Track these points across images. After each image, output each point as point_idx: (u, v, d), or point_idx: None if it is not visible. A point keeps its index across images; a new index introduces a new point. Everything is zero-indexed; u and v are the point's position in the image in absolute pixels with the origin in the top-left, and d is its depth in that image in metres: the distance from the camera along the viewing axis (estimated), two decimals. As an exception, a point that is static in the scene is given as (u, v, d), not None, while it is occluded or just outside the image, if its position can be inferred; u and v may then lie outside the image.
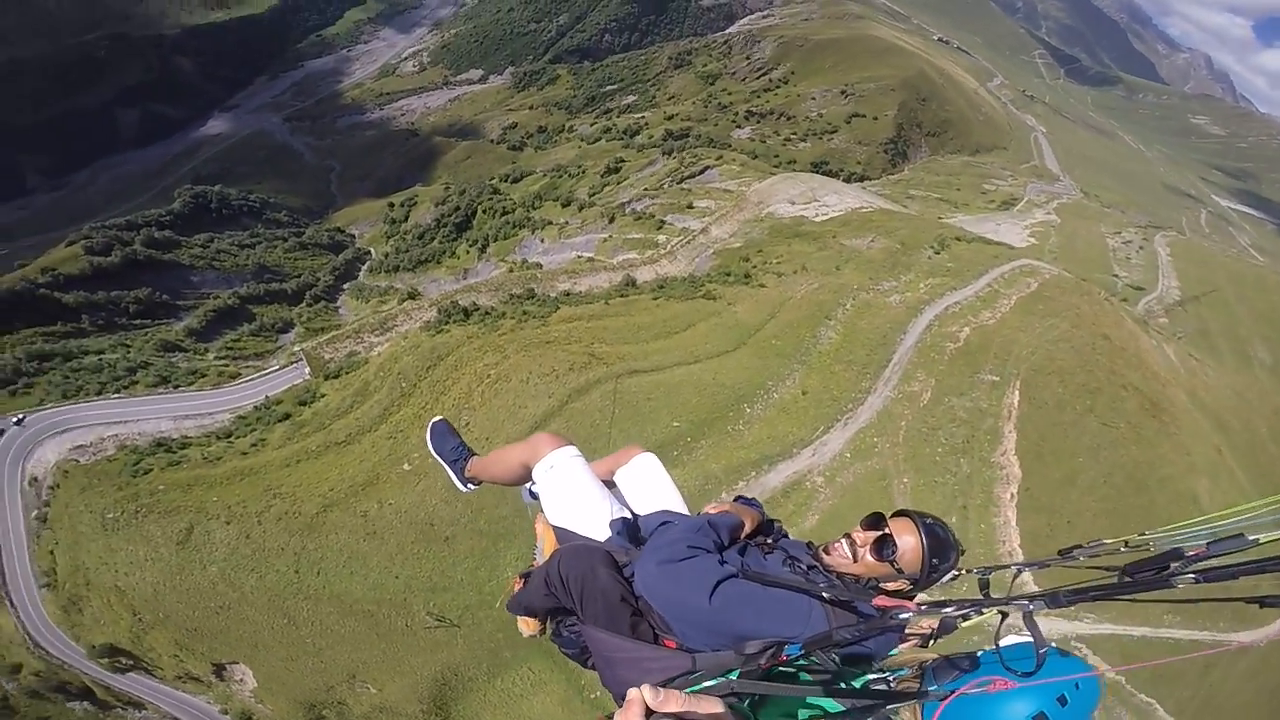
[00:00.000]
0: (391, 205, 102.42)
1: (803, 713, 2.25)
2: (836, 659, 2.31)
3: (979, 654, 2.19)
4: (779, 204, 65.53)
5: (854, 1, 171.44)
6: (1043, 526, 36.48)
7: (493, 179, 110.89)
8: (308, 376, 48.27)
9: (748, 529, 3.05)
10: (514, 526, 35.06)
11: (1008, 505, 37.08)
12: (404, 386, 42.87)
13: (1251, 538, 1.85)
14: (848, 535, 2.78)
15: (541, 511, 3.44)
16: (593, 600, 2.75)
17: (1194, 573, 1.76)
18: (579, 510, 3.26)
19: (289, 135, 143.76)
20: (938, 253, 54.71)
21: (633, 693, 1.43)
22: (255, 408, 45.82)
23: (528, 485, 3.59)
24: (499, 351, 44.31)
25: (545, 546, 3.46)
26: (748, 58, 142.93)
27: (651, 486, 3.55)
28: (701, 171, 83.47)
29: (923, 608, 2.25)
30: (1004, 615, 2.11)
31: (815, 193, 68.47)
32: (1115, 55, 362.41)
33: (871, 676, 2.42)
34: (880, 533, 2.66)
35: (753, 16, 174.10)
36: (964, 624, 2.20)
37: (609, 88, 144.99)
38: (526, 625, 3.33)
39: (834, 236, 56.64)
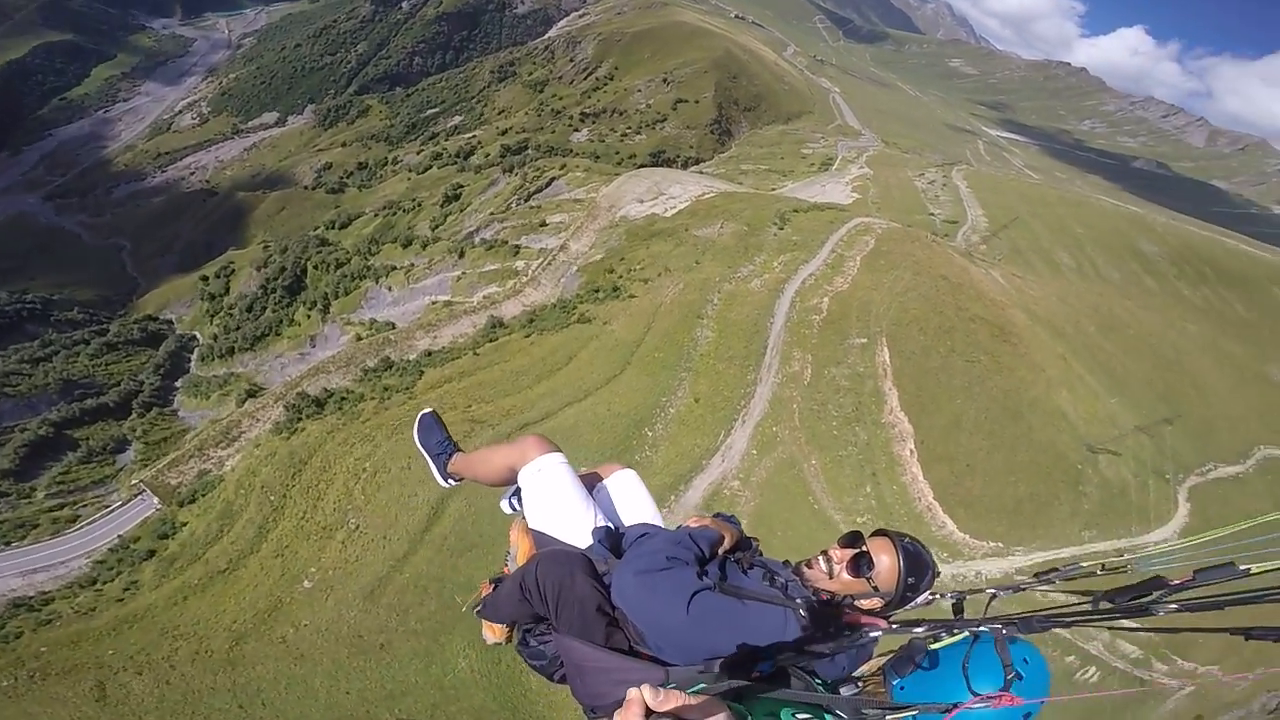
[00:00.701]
0: (205, 279, 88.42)
1: (785, 713, 2.11)
2: (811, 675, 2.31)
3: (938, 651, 2.17)
4: (629, 205, 63.72)
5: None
6: (947, 475, 37.68)
7: (317, 229, 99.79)
8: (158, 506, 40.95)
9: (727, 545, 2.98)
10: (448, 620, 30.51)
11: (911, 462, 37.89)
12: (273, 500, 36.18)
13: (1242, 567, 1.74)
14: (825, 552, 2.76)
15: (521, 518, 3.38)
16: (568, 607, 2.70)
17: (1177, 602, 1.70)
18: (562, 516, 3.20)
19: (56, 216, 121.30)
20: (781, 228, 55.52)
21: (633, 692, 1.39)
22: (111, 550, 38.57)
23: (508, 495, 3.53)
24: (368, 441, 38.63)
25: (519, 554, 3.36)
26: (571, 59, 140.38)
27: (632, 500, 3.55)
28: (548, 184, 79.78)
29: (894, 626, 2.37)
30: (976, 636, 2.12)
31: (660, 186, 67.50)
32: (880, 12, 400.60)
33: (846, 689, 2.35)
34: (857, 550, 2.66)
35: (570, 18, 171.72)
36: (934, 645, 2.21)
37: (430, 111, 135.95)
38: (492, 632, 3.24)
39: (687, 230, 55.60)
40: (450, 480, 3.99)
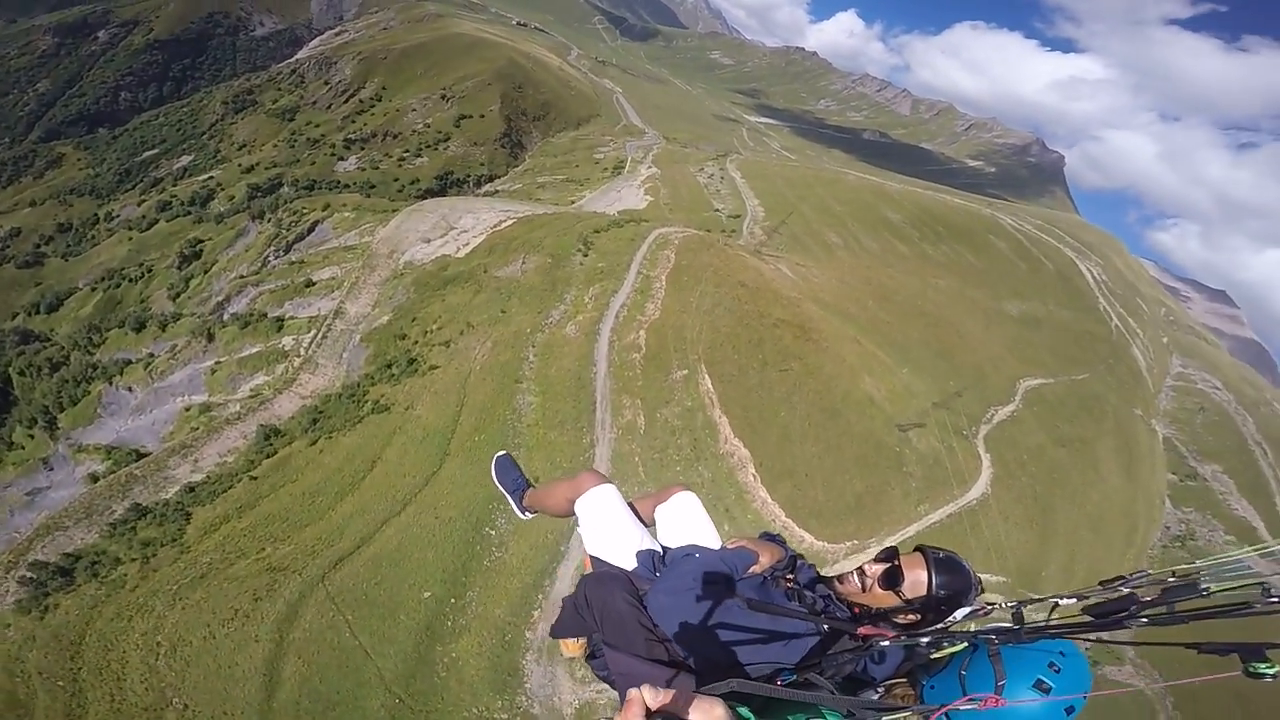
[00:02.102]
0: None
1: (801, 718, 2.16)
2: (833, 683, 2.34)
3: (964, 670, 2.18)
4: (414, 247, 54.44)
5: (430, 1, 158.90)
6: (791, 490, 36.28)
7: (15, 316, 75.17)
8: None
9: (765, 563, 3.03)
10: None
11: (756, 486, 35.89)
12: (64, 685, 26.38)
13: (1203, 588, 1.86)
14: (860, 568, 2.77)
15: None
16: (610, 622, 2.82)
17: (1146, 617, 1.83)
18: (610, 541, 3.35)
19: None
20: (586, 254, 51.03)
21: (633, 693, 1.38)
22: None
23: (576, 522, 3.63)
24: (147, 613, 28.57)
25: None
26: (327, 82, 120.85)
27: (686, 522, 3.59)
28: (310, 229, 66.04)
29: (901, 637, 2.42)
30: (974, 646, 2.21)
31: (449, 219, 59.01)
32: (650, 10, 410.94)
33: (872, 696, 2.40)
34: (889, 565, 2.66)
35: (323, 37, 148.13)
36: (935, 654, 2.31)
37: (149, 153, 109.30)
38: (568, 647, 3.35)
39: (486, 271, 48.41)
40: (527, 513, 4.44)
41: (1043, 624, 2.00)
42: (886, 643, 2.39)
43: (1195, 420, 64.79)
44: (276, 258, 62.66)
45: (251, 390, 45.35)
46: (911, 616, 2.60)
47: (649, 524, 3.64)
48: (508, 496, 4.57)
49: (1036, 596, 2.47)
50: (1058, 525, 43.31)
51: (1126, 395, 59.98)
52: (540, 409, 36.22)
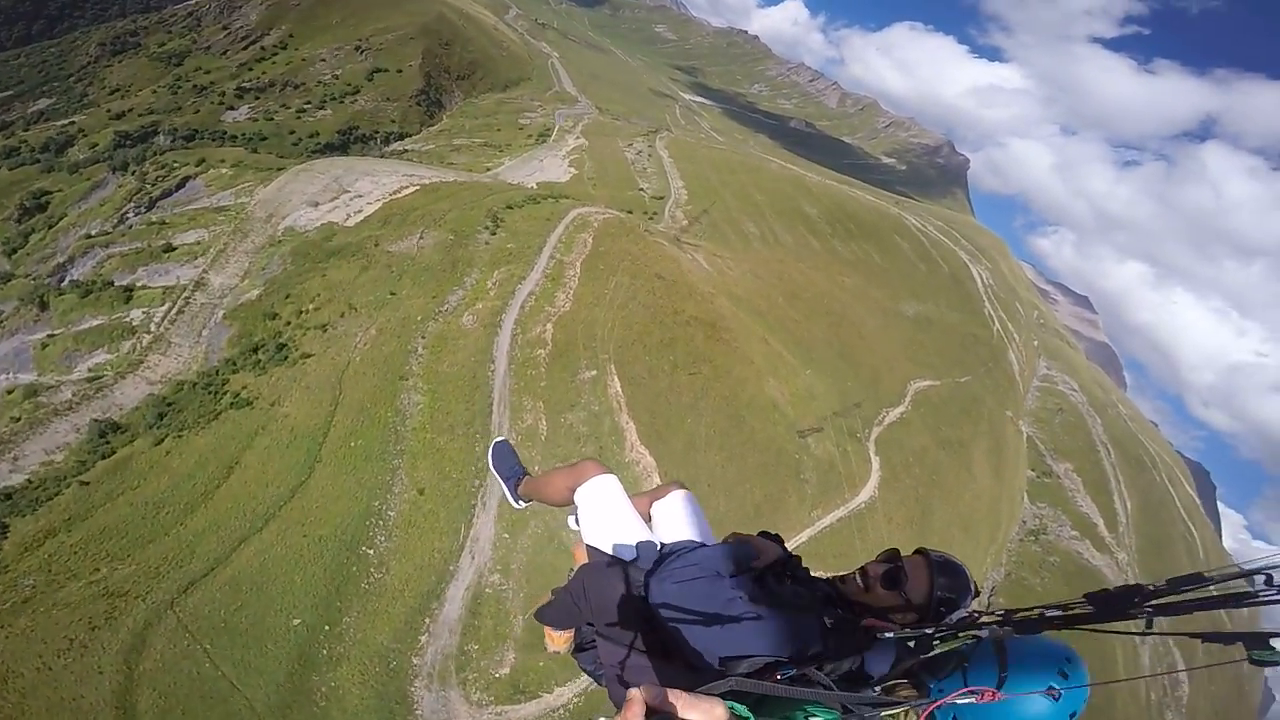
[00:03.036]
0: None
1: (798, 715, 2.09)
2: (831, 678, 2.29)
3: (967, 666, 2.13)
4: (298, 212, 47.19)
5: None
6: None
7: None
8: None
9: (766, 560, 2.87)
10: None
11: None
12: None
13: (1207, 577, 1.83)
14: (862, 568, 2.70)
15: (579, 536, 3.39)
16: (605, 613, 2.73)
17: (1151, 608, 1.81)
18: (610, 531, 3.20)
19: None
20: (494, 232, 46.27)
21: (632, 692, 1.33)
22: None
23: (572, 514, 3.50)
24: None
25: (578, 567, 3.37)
26: (226, 27, 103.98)
27: (683, 520, 3.44)
28: (180, 186, 56.03)
29: (905, 630, 2.39)
30: (977, 639, 2.18)
31: (343, 182, 51.76)
32: None
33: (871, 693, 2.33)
34: (891, 565, 2.60)
35: None
36: (940, 647, 2.27)
37: (2, 95, 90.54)
38: (553, 639, 3.28)
39: (377, 244, 42.49)
40: (521, 502, 4.07)
41: (1052, 615, 1.97)
42: (892, 634, 2.41)
43: (1054, 420, 70.16)
44: (136, 215, 52.95)
45: (90, 371, 37.81)
46: (910, 617, 2.52)
47: (646, 520, 3.39)
48: (503, 484, 4.17)
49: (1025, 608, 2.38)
50: (934, 525, 44.88)
51: (1001, 397, 63.49)
52: (428, 410, 32.11)
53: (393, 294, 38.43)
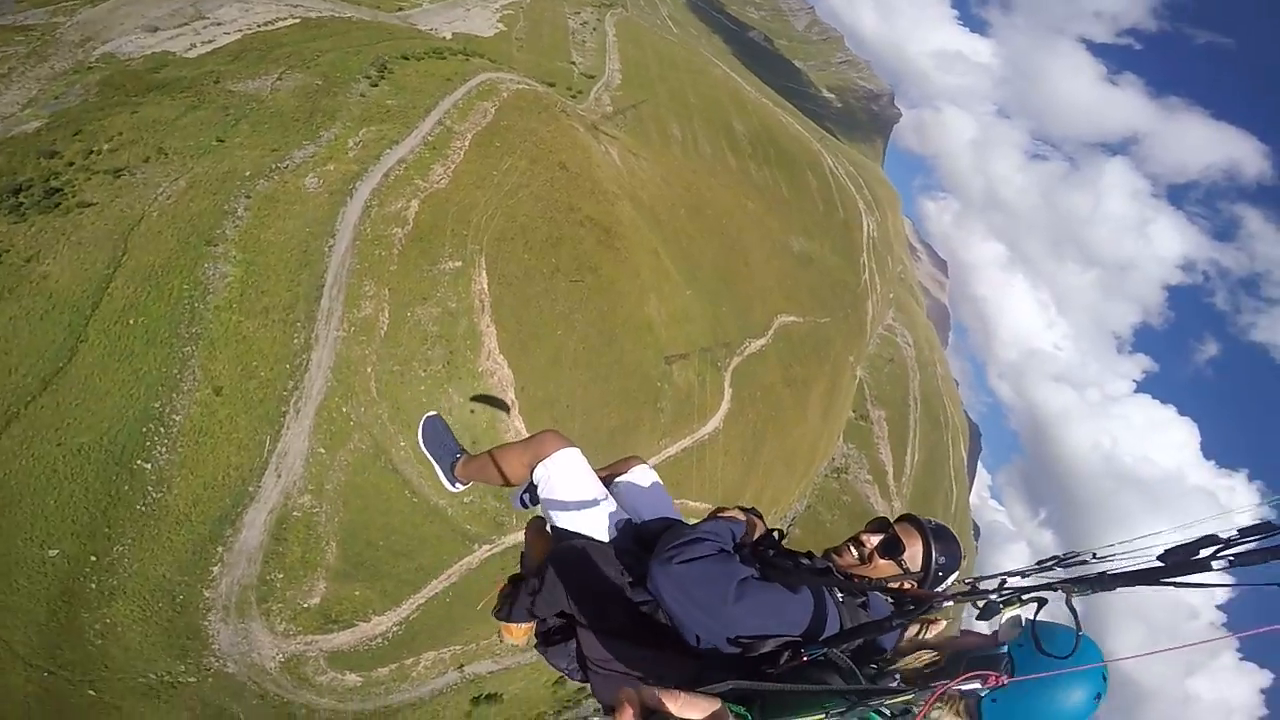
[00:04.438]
0: None
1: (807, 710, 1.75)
2: (848, 656, 1.95)
3: (1003, 648, 1.84)
4: (128, 36, 31.34)
5: None
6: (548, 422, 30.66)
7: None
8: None
9: (754, 535, 2.51)
10: None
11: (512, 416, 29.60)
12: None
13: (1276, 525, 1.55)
14: (855, 539, 2.44)
15: (535, 517, 2.89)
16: (592, 603, 2.30)
17: (1228, 558, 1.53)
18: (580, 510, 2.64)
19: None
20: (375, 84, 34.60)
21: (626, 692, 1.20)
22: None
23: (520, 490, 2.91)
24: None
25: (534, 553, 2.82)
26: None
27: (650, 493, 2.92)
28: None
29: (959, 596, 2.02)
30: (1042, 601, 1.84)
31: (201, 5, 35.39)
32: None
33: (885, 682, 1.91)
34: (886, 535, 2.36)
35: None
36: (1006, 610, 1.88)
37: None
38: (511, 634, 2.75)
39: (219, 81, 29.57)
40: (458, 484, 3.38)
41: (1121, 571, 1.65)
42: (949, 603, 2.05)
43: (884, 370, 73.26)
44: None
45: None
46: (908, 584, 2.29)
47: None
48: (435, 466, 3.35)
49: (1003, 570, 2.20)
50: (761, 458, 45.22)
51: (849, 342, 64.17)
52: (239, 286, 23.83)
53: (220, 141, 27.35)
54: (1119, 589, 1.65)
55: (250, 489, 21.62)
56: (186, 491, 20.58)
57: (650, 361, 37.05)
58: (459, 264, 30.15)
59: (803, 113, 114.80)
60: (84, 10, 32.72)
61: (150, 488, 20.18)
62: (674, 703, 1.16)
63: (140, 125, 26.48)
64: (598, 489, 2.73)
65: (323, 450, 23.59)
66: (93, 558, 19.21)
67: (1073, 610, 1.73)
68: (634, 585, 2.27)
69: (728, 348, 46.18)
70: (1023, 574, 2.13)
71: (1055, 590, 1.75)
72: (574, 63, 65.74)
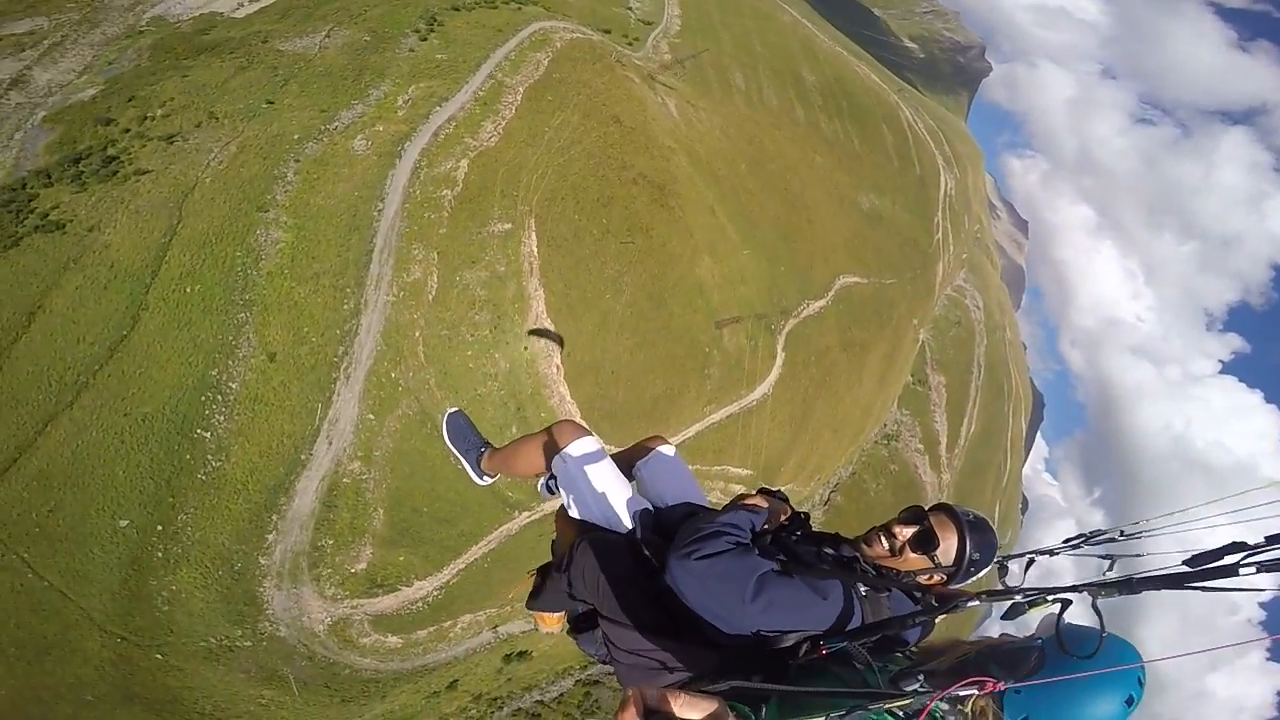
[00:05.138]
0: None
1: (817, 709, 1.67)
2: (867, 651, 1.85)
3: (1037, 641, 1.74)
4: None
5: None
6: (593, 388, 28.11)
7: None
8: None
9: (778, 521, 2.34)
10: None
11: (557, 380, 27.45)
12: None
13: None
14: (886, 529, 2.17)
15: (562, 505, 2.67)
16: (613, 595, 2.20)
17: (1255, 564, 1.46)
18: (600, 500, 2.50)
19: None
20: (424, 38, 31.42)
21: (630, 691, 1.18)
22: None
23: (544, 479, 2.93)
24: None
25: (561, 542, 2.67)
26: None
27: (674, 479, 2.71)
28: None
29: (983, 596, 1.91)
30: (1066, 603, 1.72)
31: None
32: None
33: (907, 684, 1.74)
34: (920, 527, 2.11)
35: None
36: (1031, 610, 1.79)
37: None
38: (545, 622, 2.72)
39: (267, 40, 27.38)
40: (485, 478, 3.29)
41: (1150, 574, 1.56)
42: (973, 604, 1.88)
43: (949, 333, 65.10)
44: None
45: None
46: (938, 578, 2.09)
47: (629, 479, 2.67)
48: (462, 460, 3.25)
49: (1015, 553, 2.11)
50: (810, 425, 41.14)
51: (913, 306, 56.78)
52: (290, 252, 22.55)
53: (270, 103, 25.55)
54: (1145, 592, 1.55)
55: (303, 456, 20.88)
56: (244, 460, 20.01)
57: (700, 326, 33.69)
58: (508, 226, 27.67)
59: (881, 63, 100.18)
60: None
61: (210, 456, 19.67)
62: (675, 703, 1.13)
63: (191, 89, 25.02)
64: (616, 478, 2.58)
65: (372, 416, 22.62)
66: (159, 527, 18.93)
67: (1097, 612, 1.63)
68: (654, 575, 2.15)
69: (783, 310, 41.72)
70: (1051, 552, 2.07)
71: (1080, 592, 1.63)
72: (630, 8, 58.89)
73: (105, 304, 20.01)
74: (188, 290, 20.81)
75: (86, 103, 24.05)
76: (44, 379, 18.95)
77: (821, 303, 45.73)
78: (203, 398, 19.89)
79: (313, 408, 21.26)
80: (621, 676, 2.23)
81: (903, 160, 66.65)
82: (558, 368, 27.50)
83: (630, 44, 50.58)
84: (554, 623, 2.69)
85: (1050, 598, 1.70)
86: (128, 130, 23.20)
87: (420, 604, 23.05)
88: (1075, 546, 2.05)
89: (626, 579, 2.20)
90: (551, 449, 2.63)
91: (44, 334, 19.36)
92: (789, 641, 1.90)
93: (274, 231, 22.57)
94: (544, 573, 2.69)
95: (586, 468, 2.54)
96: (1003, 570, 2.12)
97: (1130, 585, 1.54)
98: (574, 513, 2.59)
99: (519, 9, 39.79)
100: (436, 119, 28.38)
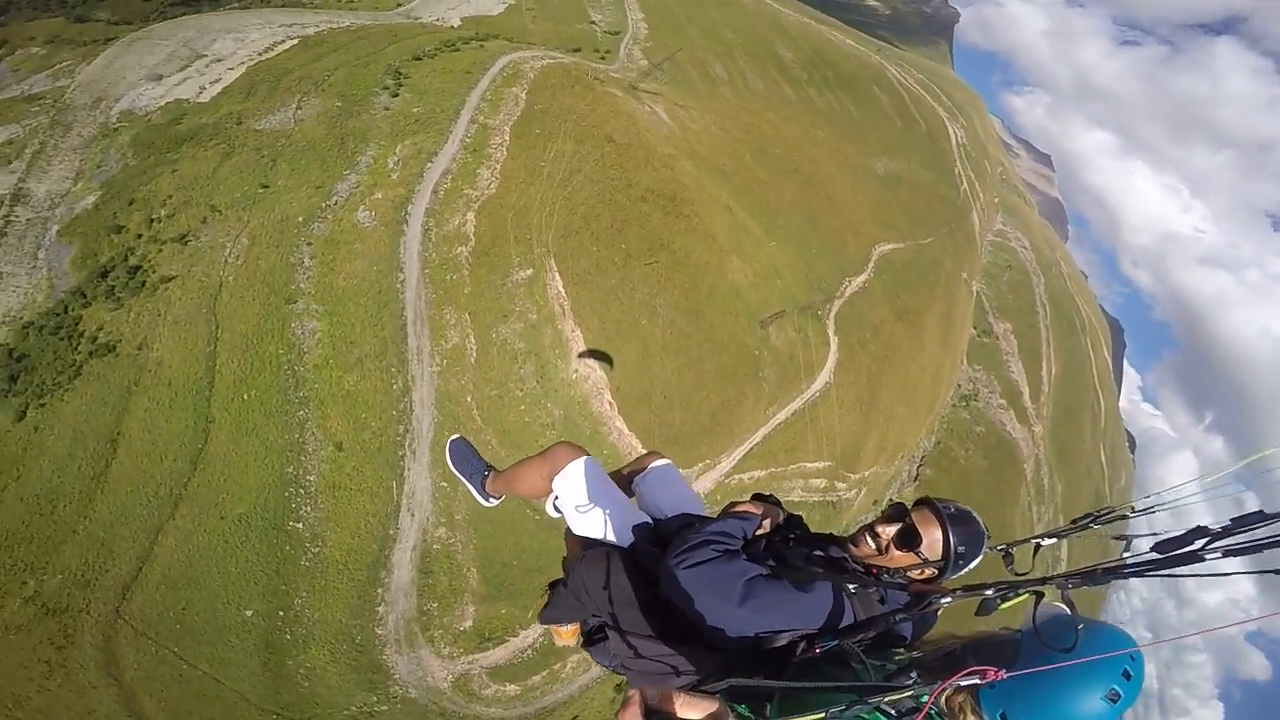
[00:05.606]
0: None
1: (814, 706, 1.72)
2: (862, 648, 1.93)
3: (1018, 633, 1.80)
4: (137, 89, 30.51)
5: None
6: (649, 417, 27.22)
7: None
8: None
9: (769, 526, 2.49)
10: None
11: (613, 416, 26.67)
12: None
13: (1271, 512, 1.52)
14: (870, 528, 2.27)
15: (566, 526, 2.83)
16: (615, 605, 2.34)
17: (1221, 548, 1.52)
18: (600, 517, 2.68)
19: None
20: (395, 94, 31.82)
21: (631, 691, 1.22)
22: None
23: (552, 499, 2.90)
24: None
25: (572, 558, 2.86)
26: None
27: (671, 491, 2.91)
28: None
29: (958, 592, 1.97)
30: (1039, 595, 1.80)
31: (196, 45, 34.33)
32: None
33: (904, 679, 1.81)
34: (902, 524, 2.20)
35: None
36: (1002, 605, 1.86)
37: None
38: (560, 635, 2.88)
39: (239, 121, 27.98)
40: (491, 499, 3.49)
41: (1115, 563, 1.64)
42: (947, 600, 1.96)
43: (1002, 278, 62.78)
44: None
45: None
46: (928, 573, 2.16)
47: (629, 495, 2.87)
48: (468, 485, 3.45)
49: (1016, 540, 2.15)
50: (880, 403, 39.42)
51: (959, 259, 54.93)
52: (328, 340, 22.49)
53: (264, 187, 25.89)
54: (1113, 581, 1.60)
55: (390, 531, 21.33)
56: (338, 543, 20.67)
57: (744, 330, 32.57)
58: (530, 271, 27.23)
59: (851, 26, 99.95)
60: (81, 68, 32.25)
61: (307, 544, 20.47)
62: (675, 703, 1.16)
63: (185, 184, 25.42)
64: (614, 493, 2.73)
65: (445, 484, 22.48)
66: (280, 612, 19.97)
67: (1070, 604, 1.68)
68: (654, 585, 2.25)
69: (826, 294, 40.36)
70: (1057, 535, 2.10)
71: (1049, 584, 1.70)
72: (594, 22, 59.71)
73: (175, 421, 20.74)
74: (245, 397, 21.23)
75: (91, 211, 24.73)
76: (142, 496, 20.03)
77: (863, 277, 44.32)
78: (286, 493, 20.56)
79: (388, 485, 21.64)
80: (632, 684, 2.27)
81: (904, 119, 65.48)
82: (610, 404, 26.66)
83: (603, 58, 51.03)
84: (569, 635, 2.79)
85: (1021, 590, 1.74)
86: (140, 235, 23.83)
87: (529, 651, 23.09)
88: (1082, 527, 2.06)
89: (629, 590, 2.29)
90: (551, 469, 2.75)
91: (130, 457, 20.36)
92: (782, 641, 1.97)
93: (308, 322, 22.58)
94: (554, 587, 2.79)
95: (585, 485, 2.67)
96: (1008, 559, 2.12)
97: (1097, 576, 1.58)
98: (576, 529, 2.71)
99: (481, 46, 40.33)
100: (431, 175, 28.37)
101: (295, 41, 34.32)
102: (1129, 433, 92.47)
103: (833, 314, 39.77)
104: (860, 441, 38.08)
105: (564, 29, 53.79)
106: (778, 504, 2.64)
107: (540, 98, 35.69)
